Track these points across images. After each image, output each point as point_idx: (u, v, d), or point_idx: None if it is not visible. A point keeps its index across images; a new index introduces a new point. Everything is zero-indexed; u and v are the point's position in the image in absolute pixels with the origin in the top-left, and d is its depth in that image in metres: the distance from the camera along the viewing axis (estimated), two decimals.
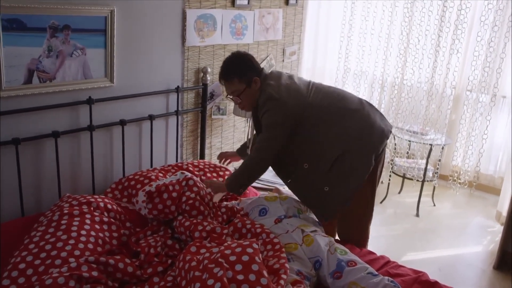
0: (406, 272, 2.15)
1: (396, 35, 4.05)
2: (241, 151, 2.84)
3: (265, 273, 1.69)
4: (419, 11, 3.86)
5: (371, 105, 2.44)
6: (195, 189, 2.34)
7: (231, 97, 2.47)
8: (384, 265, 2.22)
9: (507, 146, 4.08)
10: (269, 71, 2.45)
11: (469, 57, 3.87)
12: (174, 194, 2.29)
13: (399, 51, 4.03)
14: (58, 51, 2.37)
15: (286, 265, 1.86)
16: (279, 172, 2.52)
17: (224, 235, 2.13)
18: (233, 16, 3.29)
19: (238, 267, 1.70)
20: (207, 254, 1.82)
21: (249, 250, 1.78)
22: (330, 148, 2.29)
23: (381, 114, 2.45)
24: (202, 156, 3.34)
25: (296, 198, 2.57)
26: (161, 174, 2.68)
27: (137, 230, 2.28)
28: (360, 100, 2.44)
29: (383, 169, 2.52)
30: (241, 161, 2.84)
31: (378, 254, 3.14)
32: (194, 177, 2.42)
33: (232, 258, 1.74)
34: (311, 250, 2.09)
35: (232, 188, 2.42)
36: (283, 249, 2.00)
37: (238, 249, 1.78)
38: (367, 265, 1.99)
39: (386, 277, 1.89)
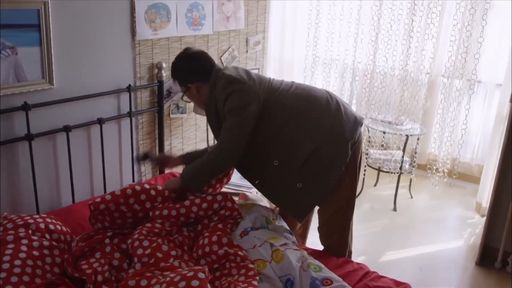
0: (388, 285, 1.96)
1: (367, 20, 3.80)
2: (187, 159, 2.38)
3: None
4: None
5: (337, 97, 2.24)
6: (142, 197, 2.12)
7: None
8: (363, 277, 2.02)
9: (484, 132, 3.94)
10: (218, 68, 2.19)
11: (443, 42, 3.68)
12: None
13: (370, 37, 3.79)
14: None
15: None
16: (245, 172, 2.26)
17: (171, 257, 1.85)
18: (188, 5, 2.98)
19: None
20: None
21: (195, 283, 1.56)
22: (302, 143, 2.07)
23: (349, 105, 2.27)
24: None
25: (265, 203, 2.33)
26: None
27: (80, 244, 1.96)
28: (327, 91, 2.24)
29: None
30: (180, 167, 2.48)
31: (357, 255, 2.94)
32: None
33: None
34: (281, 268, 1.86)
35: (192, 184, 2.18)
36: (257, 277, 1.77)
37: (182, 284, 1.55)
38: (345, 283, 1.78)
39: None
